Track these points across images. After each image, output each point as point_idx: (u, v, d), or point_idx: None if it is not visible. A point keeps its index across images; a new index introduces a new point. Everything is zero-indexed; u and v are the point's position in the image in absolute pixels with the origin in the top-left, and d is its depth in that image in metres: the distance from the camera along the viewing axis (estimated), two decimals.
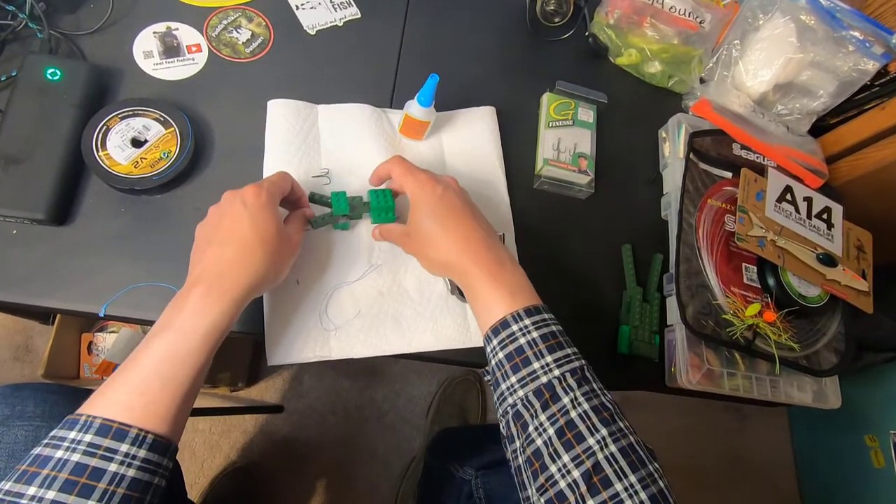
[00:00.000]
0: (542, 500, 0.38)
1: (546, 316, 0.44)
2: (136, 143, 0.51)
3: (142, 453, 0.34)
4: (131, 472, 0.34)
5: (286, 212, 0.51)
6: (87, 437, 0.33)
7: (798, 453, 1.27)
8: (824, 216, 0.65)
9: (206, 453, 0.95)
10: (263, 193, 0.45)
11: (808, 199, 0.65)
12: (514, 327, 0.43)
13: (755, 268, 0.63)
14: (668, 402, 1.21)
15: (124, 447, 0.34)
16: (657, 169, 0.69)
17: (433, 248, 0.48)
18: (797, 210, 0.64)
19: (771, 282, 0.61)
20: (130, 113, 0.52)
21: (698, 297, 0.59)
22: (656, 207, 0.67)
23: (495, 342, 0.44)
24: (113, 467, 0.33)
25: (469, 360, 0.56)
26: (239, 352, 0.94)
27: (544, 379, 0.41)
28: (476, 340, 0.55)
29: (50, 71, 0.51)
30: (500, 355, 0.43)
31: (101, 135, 0.50)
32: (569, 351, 0.43)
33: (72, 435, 0.34)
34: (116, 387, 0.36)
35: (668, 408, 1.22)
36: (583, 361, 0.43)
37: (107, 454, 0.33)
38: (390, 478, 1.00)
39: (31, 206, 0.47)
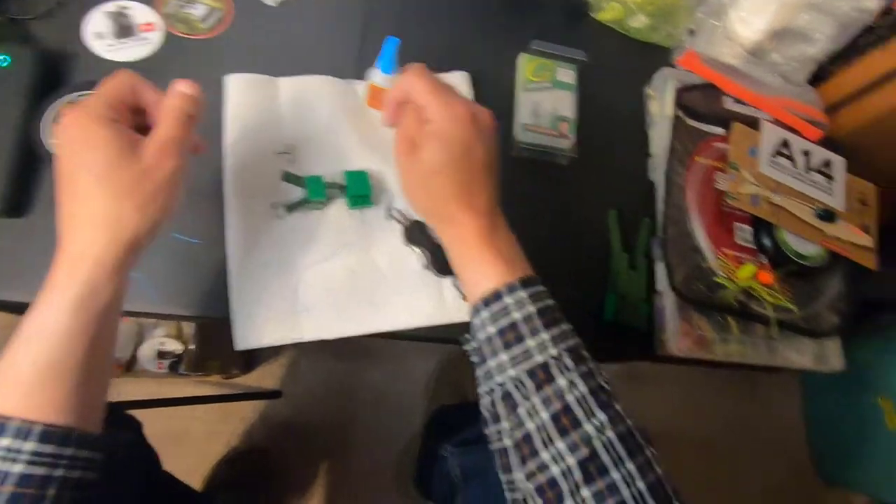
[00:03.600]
0: (532, 487, 0.35)
1: (541, 288, 0.41)
2: None
3: (28, 446, 0.31)
4: (18, 468, 0.31)
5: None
6: None
7: (809, 419, 1.24)
8: (824, 169, 0.61)
9: (204, 440, 0.96)
10: (78, 111, 0.36)
11: (807, 153, 0.61)
12: (508, 300, 0.39)
13: (749, 227, 0.59)
14: (673, 373, 1.19)
15: (5, 441, 0.31)
16: (644, 129, 0.66)
17: (430, 185, 0.42)
18: (794, 164, 0.60)
19: (766, 241, 0.58)
20: (84, 97, 0.50)
21: (688, 260, 0.56)
22: (644, 169, 0.64)
23: (485, 314, 0.40)
24: None
25: (447, 336, 0.54)
26: (229, 339, 0.93)
27: (539, 358, 0.37)
28: (453, 316, 0.53)
29: None
30: (491, 329, 0.39)
31: (52, 123, 0.49)
32: (565, 328, 0.39)
33: None
34: None
35: (674, 379, 1.20)
36: (578, 339, 0.40)
37: None
38: (391, 458, 1.00)
39: None
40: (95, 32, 0.54)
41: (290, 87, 0.55)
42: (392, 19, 0.62)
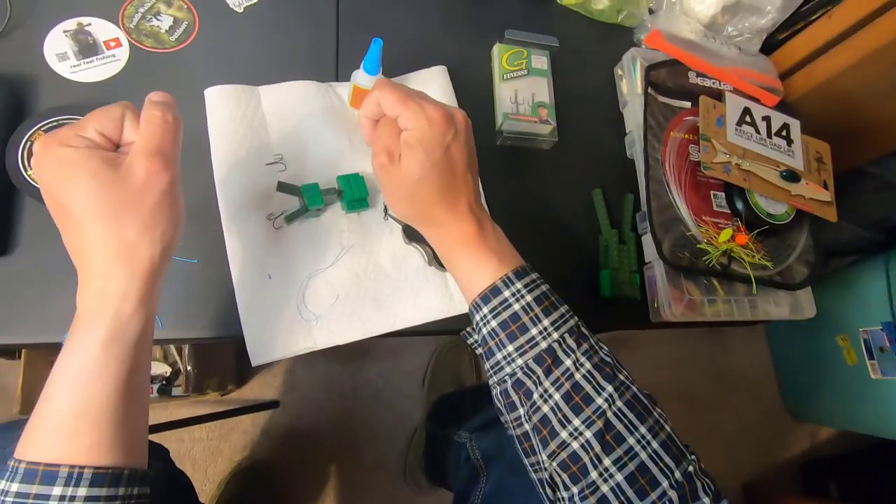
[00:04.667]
0: (555, 465, 0.37)
1: (534, 276, 0.42)
2: None
3: (81, 492, 0.31)
4: None
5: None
6: (14, 487, 0.30)
7: (777, 363, 1.34)
8: (784, 133, 0.66)
9: (207, 460, 0.94)
10: (47, 140, 0.34)
11: (767, 119, 0.66)
12: (506, 293, 0.41)
13: (723, 194, 0.63)
14: (653, 335, 1.26)
15: (57, 490, 0.30)
16: (618, 108, 0.68)
17: (415, 193, 0.42)
18: (757, 131, 0.64)
19: (739, 205, 0.62)
20: (55, 123, 0.48)
21: (672, 230, 0.60)
22: (621, 147, 0.67)
23: (486, 310, 0.41)
24: None
25: (457, 328, 0.55)
26: (223, 355, 0.92)
27: (544, 344, 0.39)
28: (460, 308, 0.54)
29: None
30: (493, 324, 0.41)
31: (25, 152, 0.46)
32: (562, 310, 0.41)
33: (1, 485, 0.31)
34: (35, 424, 0.33)
35: (654, 341, 1.26)
36: (576, 318, 0.42)
37: (38, 501, 0.30)
38: (396, 452, 1.02)
39: None
40: (57, 53, 0.51)
41: (272, 95, 0.55)
42: (364, 18, 0.62)
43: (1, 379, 0.92)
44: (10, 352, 0.84)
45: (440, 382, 1.03)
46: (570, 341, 0.40)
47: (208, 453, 0.95)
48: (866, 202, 1.06)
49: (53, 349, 0.87)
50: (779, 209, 0.62)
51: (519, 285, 0.41)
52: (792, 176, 0.63)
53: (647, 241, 0.61)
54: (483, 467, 0.55)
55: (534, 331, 0.40)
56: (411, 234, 0.53)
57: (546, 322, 0.40)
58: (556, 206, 0.62)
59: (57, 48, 0.52)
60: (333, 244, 0.52)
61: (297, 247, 0.52)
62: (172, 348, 0.87)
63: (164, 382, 0.90)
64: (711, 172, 0.60)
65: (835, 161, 0.67)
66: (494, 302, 0.41)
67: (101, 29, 0.53)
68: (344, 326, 0.51)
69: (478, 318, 0.42)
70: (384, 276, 0.53)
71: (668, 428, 0.39)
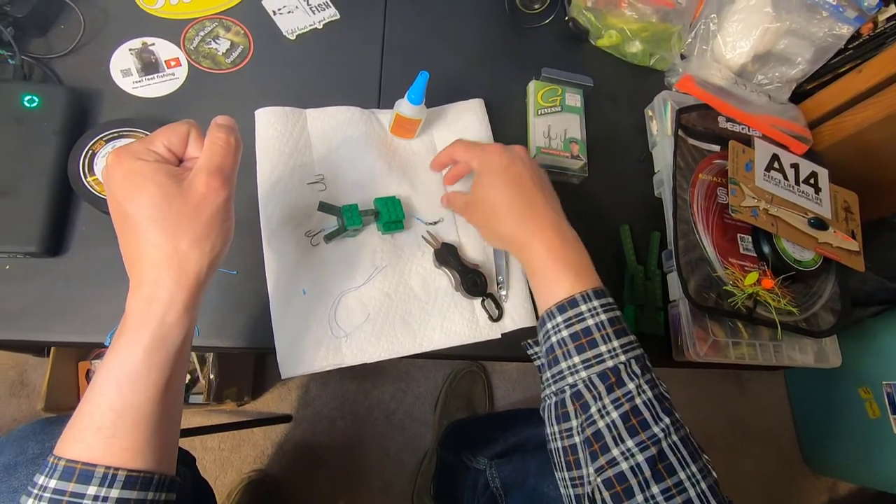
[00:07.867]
0: (600, 480, 0.38)
1: (611, 300, 0.44)
2: None
3: (114, 493, 0.31)
4: None
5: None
6: (52, 483, 0.31)
7: (796, 411, 1.31)
8: (811, 181, 0.66)
9: (217, 470, 0.95)
10: (121, 152, 0.36)
11: (795, 166, 0.66)
12: (583, 307, 0.43)
13: (750, 237, 0.64)
14: (671, 374, 1.24)
15: (92, 490, 0.31)
16: (646, 148, 0.70)
17: (495, 219, 0.48)
18: (785, 177, 0.65)
19: (766, 249, 0.62)
20: (115, 135, 0.50)
21: (698, 270, 0.60)
22: (649, 186, 0.68)
23: (559, 319, 0.43)
24: None
25: (480, 354, 0.56)
26: (243, 366, 0.93)
27: (610, 363, 0.41)
28: (486, 334, 0.55)
29: (27, 98, 0.49)
30: (565, 333, 0.42)
31: (87, 160, 0.49)
32: (632, 337, 0.43)
33: (41, 480, 0.31)
34: (76, 423, 0.33)
35: (671, 380, 1.24)
36: (643, 350, 0.43)
37: (73, 500, 0.31)
38: (405, 475, 1.01)
39: (23, 240, 0.46)
40: (122, 69, 0.55)
41: (318, 118, 0.57)
42: (408, 51, 0.65)
43: (27, 375, 0.95)
44: (38, 349, 0.86)
45: (452, 408, 1.03)
46: (636, 367, 0.41)
47: (218, 463, 0.95)
48: (892, 253, 1.05)
49: (82, 349, 0.89)
50: (805, 256, 0.63)
51: (596, 303, 0.43)
52: (820, 223, 0.63)
53: (673, 280, 0.61)
54: (503, 496, 0.55)
55: (603, 348, 0.41)
56: (441, 259, 0.55)
57: (616, 343, 0.41)
58: (584, 240, 0.62)
59: (122, 64, 0.55)
60: (367, 264, 0.54)
61: (332, 265, 0.53)
62: (194, 356, 0.88)
63: None
64: (739, 216, 0.61)
65: (867, 212, 0.68)
66: (570, 313, 0.43)
67: (164, 49, 0.57)
68: (372, 345, 0.52)
69: (549, 325, 0.44)
70: (413, 298, 0.54)
71: (714, 475, 0.39)
